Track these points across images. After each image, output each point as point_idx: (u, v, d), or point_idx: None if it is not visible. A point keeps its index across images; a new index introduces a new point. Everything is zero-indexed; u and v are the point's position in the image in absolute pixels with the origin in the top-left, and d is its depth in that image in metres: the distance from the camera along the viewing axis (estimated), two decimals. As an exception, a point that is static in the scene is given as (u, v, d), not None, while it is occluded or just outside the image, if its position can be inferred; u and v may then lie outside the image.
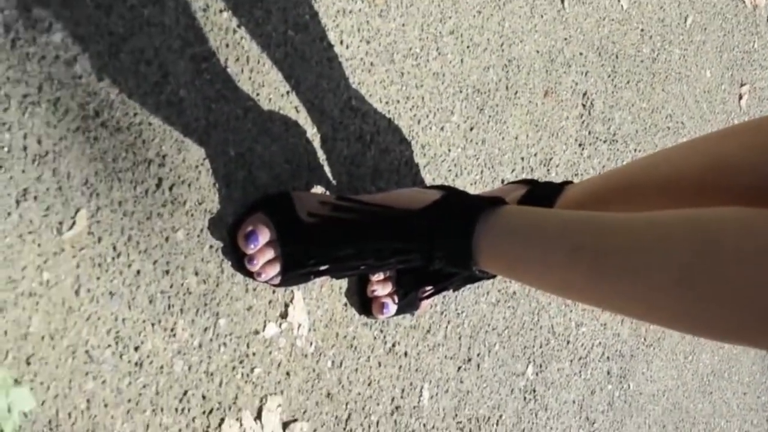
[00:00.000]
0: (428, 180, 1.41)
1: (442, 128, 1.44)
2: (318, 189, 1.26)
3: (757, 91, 2.12)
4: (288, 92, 1.22)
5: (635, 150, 1.80)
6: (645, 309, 1.01)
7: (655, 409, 1.79)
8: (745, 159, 1.11)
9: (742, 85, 2.06)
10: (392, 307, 1.29)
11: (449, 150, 1.45)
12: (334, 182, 1.28)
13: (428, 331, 1.40)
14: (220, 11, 1.15)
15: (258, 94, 1.19)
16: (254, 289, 1.18)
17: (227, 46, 1.16)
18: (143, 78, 1.07)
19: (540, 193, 1.32)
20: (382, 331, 1.33)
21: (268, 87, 1.20)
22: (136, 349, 1.06)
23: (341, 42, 1.29)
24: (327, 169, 1.27)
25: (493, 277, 1.21)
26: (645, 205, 1.17)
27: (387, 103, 1.36)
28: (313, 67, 1.25)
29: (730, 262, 0.92)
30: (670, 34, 1.93)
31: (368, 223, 1.14)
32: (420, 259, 1.13)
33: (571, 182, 1.34)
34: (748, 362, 2.04)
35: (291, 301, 1.22)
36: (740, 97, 2.04)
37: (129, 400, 1.05)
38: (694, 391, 1.82)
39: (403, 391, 1.36)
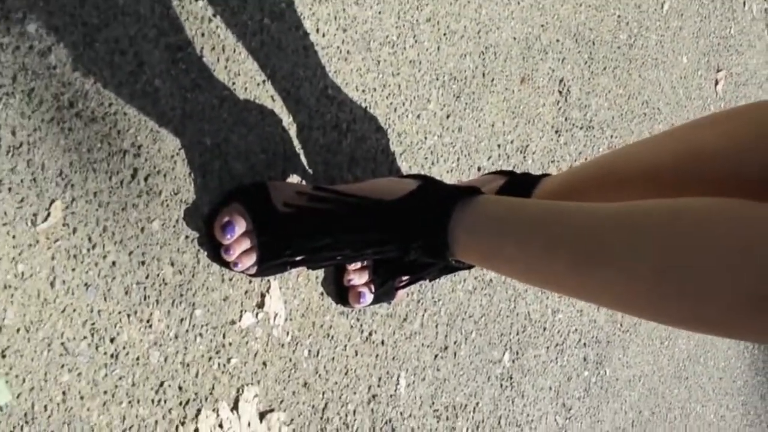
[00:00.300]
0: (404, 168, 1.41)
1: (418, 116, 1.44)
2: (294, 178, 1.26)
3: (733, 76, 2.13)
4: (264, 81, 1.22)
5: (611, 136, 1.81)
6: (622, 300, 1.02)
7: (631, 395, 1.80)
8: (723, 148, 1.11)
9: (718, 70, 2.06)
10: (369, 296, 1.29)
11: (425, 138, 1.45)
12: (310, 171, 1.27)
13: (405, 320, 1.40)
14: (196, 0, 1.14)
15: (234, 84, 1.18)
16: (230, 279, 1.17)
17: (203, 35, 1.15)
18: (118, 68, 1.06)
19: (517, 185, 1.32)
20: (358, 320, 1.34)
21: (244, 76, 1.20)
22: (112, 340, 1.05)
23: (317, 30, 1.29)
24: (303, 158, 1.26)
25: (470, 267, 1.22)
26: (623, 195, 1.17)
27: (363, 91, 1.35)
28: (289, 55, 1.25)
29: (710, 252, 0.93)
30: (646, 20, 1.93)
31: (344, 214, 1.14)
32: (396, 250, 1.13)
33: (549, 174, 1.34)
34: (723, 347, 2.05)
35: (267, 291, 1.22)
36: (716, 83, 2.05)
37: (105, 392, 1.05)
38: (669, 377, 1.83)
39: (380, 379, 1.36)
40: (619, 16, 1.87)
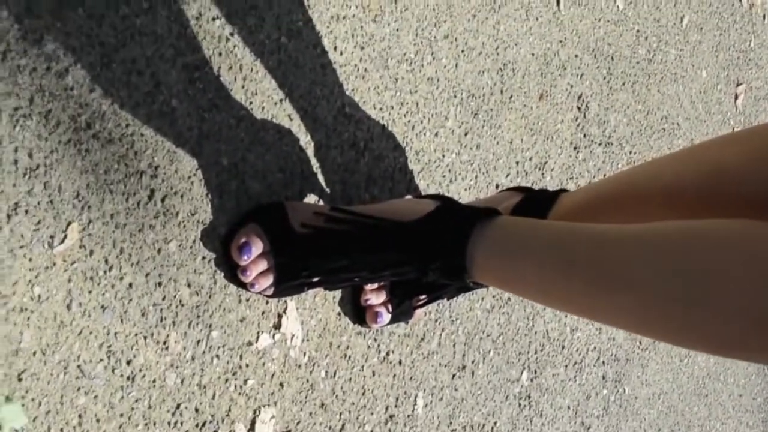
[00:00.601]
0: (422, 186, 1.40)
1: (436, 134, 1.43)
2: (311, 198, 1.25)
3: (753, 90, 2.11)
4: (281, 100, 1.21)
5: (630, 152, 1.79)
6: (641, 324, 1.01)
7: (650, 413, 1.78)
8: (746, 167, 1.10)
9: (738, 84, 2.05)
10: (386, 316, 1.28)
11: (443, 156, 1.44)
12: (327, 190, 1.27)
13: (422, 339, 1.39)
14: (213, 19, 1.14)
15: (251, 103, 1.18)
16: (247, 300, 1.17)
17: (220, 54, 1.14)
18: (135, 88, 1.05)
19: (534, 202, 1.31)
20: (375, 339, 1.33)
21: (261, 95, 1.19)
22: (129, 362, 1.05)
23: (335, 48, 1.28)
24: (320, 177, 1.26)
25: (487, 286, 1.21)
26: (643, 215, 1.16)
27: (381, 109, 1.35)
28: (307, 74, 1.24)
29: (730, 277, 0.92)
30: (665, 34, 1.92)
31: (362, 235, 1.13)
32: (414, 272, 1.12)
33: (566, 190, 1.33)
34: (743, 364, 2.04)
35: (284, 312, 1.21)
36: (736, 97, 2.03)
37: (121, 415, 1.04)
38: (689, 394, 1.82)
39: (397, 399, 1.35)
40: (638, 31, 1.86)
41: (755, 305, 0.90)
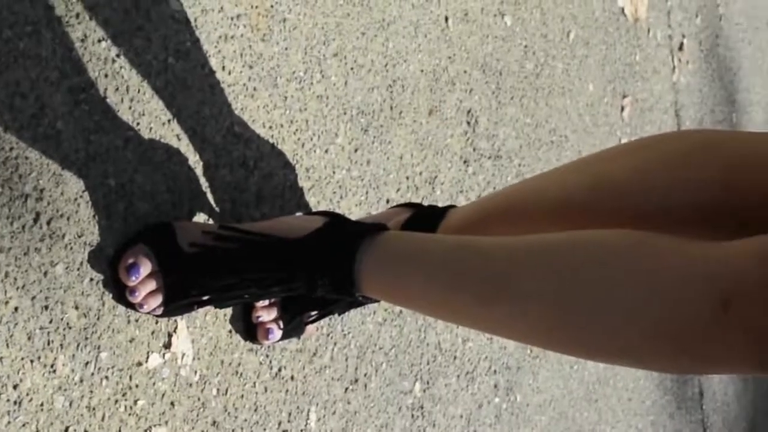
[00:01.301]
0: (313, 203, 1.42)
1: (326, 150, 1.45)
2: (201, 217, 1.25)
3: (639, 102, 2.17)
4: (169, 120, 1.22)
5: (519, 165, 1.83)
6: (531, 334, 1.04)
7: (542, 420, 1.82)
8: (631, 180, 1.14)
9: (624, 97, 2.11)
10: (277, 333, 1.30)
11: (334, 172, 1.46)
12: (217, 209, 1.27)
13: (314, 354, 1.41)
14: (99, 41, 1.14)
15: (138, 124, 1.18)
16: (136, 321, 1.17)
17: (106, 75, 1.14)
18: (19, 111, 1.05)
19: (424, 217, 1.34)
20: (267, 356, 1.34)
21: (149, 116, 1.19)
22: (15, 387, 1.04)
23: (223, 68, 1.29)
24: (210, 196, 1.26)
25: (378, 300, 1.23)
26: (532, 229, 1.19)
27: (270, 127, 1.36)
28: (195, 94, 1.25)
29: (616, 285, 0.95)
30: (553, 49, 1.97)
31: (250, 253, 1.14)
32: (303, 287, 1.14)
33: (454, 206, 1.36)
34: (632, 368, 2.09)
35: (174, 331, 1.21)
36: (622, 109, 2.09)
37: (7, 440, 1.03)
38: (579, 400, 1.86)
39: (290, 415, 1.36)
40: (525, 46, 1.90)
41: (643, 315, 0.93)
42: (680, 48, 2.12)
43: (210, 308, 1.25)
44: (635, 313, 0.93)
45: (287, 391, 1.36)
